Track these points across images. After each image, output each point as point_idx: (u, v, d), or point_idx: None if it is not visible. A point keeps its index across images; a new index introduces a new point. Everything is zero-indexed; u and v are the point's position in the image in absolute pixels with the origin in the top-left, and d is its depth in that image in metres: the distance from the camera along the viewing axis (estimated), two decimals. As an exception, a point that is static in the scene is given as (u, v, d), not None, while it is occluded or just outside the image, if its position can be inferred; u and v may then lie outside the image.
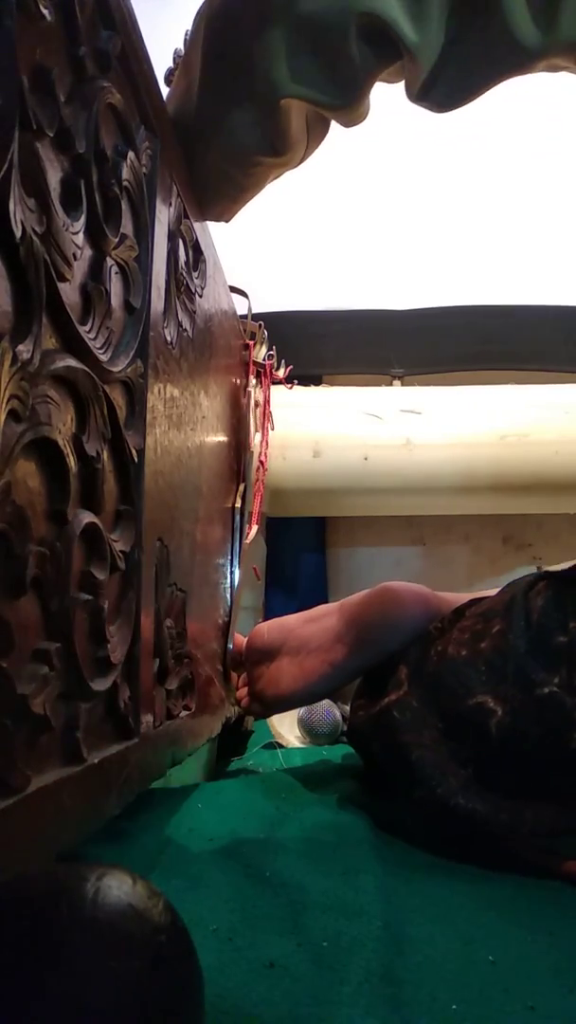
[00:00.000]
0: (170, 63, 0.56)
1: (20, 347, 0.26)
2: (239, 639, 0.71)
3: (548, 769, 0.45)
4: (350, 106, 0.51)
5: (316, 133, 0.57)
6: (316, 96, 0.49)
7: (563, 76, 0.50)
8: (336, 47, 0.47)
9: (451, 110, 0.49)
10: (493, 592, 0.55)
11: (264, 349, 0.91)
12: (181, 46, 0.55)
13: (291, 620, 0.66)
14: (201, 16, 0.51)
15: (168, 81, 0.56)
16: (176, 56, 0.54)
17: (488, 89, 0.48)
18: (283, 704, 0.65)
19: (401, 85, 0.49)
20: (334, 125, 0.56)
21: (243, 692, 0.70)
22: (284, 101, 0.49)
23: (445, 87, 0.47)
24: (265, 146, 0.53)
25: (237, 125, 0.51)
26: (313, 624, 0.64)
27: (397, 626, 0.58)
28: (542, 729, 0.44)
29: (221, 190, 0.57)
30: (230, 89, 0.50)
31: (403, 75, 0.49)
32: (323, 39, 0.47)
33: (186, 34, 0.53)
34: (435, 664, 0.52)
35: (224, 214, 0.61)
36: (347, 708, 0.72)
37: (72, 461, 0.31)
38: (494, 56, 0.46)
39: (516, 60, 0.46)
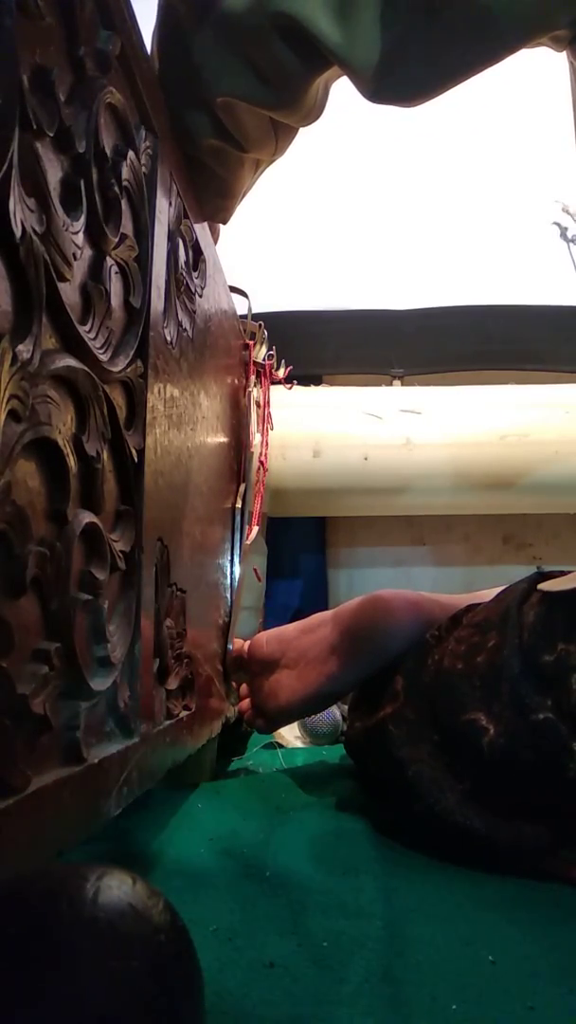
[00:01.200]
0: None
1: (20, 347, 0.26)
2: (239, 643, 0.71)
3: (545, 794, 0.44)
4: (289, 107, 0.50)
5: (285, 128, 0.56)
6: (249, 96, 0.49)
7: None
8: (259, 48, 0.46)
9: (417, 105, 0.48)
10: (490, 593, 0.55)
11: (264, 349, 0.91)
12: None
13: (289, 631, 0.66)
14: (156, 16, 0.51)
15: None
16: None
17: (458, 82, 0.46)
18: (284, 717, 0.65)
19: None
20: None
21: (246, 704, 0.70)
22: (222, 100, 0.49)
23: (398, 85, 0.46)
24: (227, 141, 0.53)
25: (193, 123, 0.51)
26: (309, 635, 0.64)
27: (389, 635, 0.58)
28: (536, 755, 0.43)
29: (209, 186, 0.57)
30: (180, 88, 0.50)
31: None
32: (245, 40, 0.46)
33: (152, 32, 0.53)
34: (431, 675, 0.52)
35: (218, 213, 0.61)
36: (347, 708, 0.72)
37: (72, 461, 0.31)
38: (455, 44, 0.44)
39: (480, 42, 0.43)
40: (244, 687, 0.71)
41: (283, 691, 0.63)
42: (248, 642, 0.69)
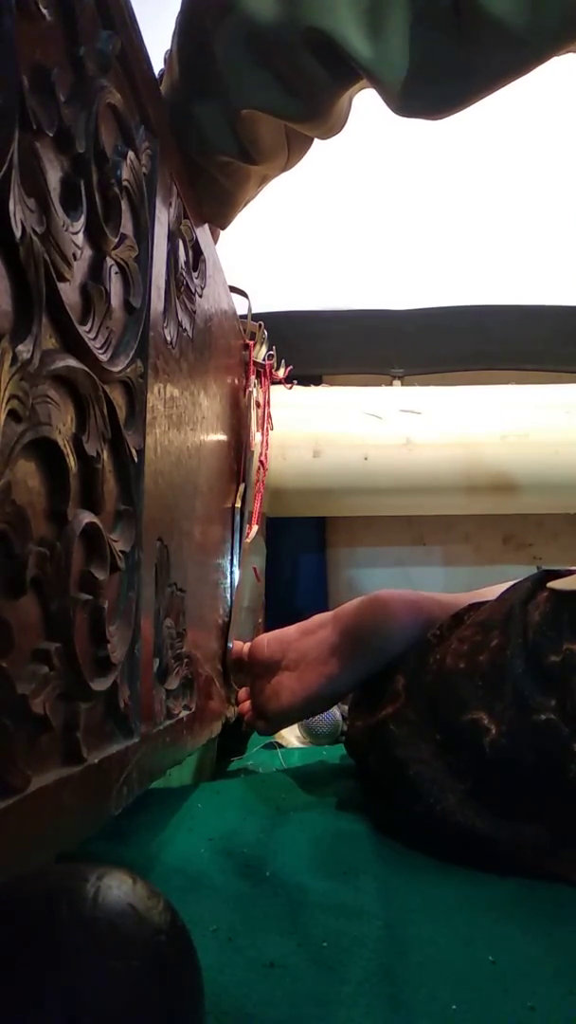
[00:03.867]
0: (162, 66, 0.56)
1: (20, 347, 0.26)
2: (239, 645, 0.70)
3: (545, 795, 0.44)
4: (314, 120, 0.50)
5: (298, 142, 0.56)
6: (275, 109, 0.49)
7: (565, 78, 0.50)
8: (289, 62, 0.46)
9: (445, 117, 0.48)
10: (492, 591, 0.55)
11: (264, 349, 0.91)
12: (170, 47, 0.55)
13: (289, 633, 0.66)
14: (177, 19, 0.51)
15: (159, 83, 0.57)
16: (166, 56, 0.54)
17: (486, 94, 0.46)
18: (285, 718, 0.65)
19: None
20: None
21: (246, 707, 0.70)
22: (247, 112, 0.49)
23: (426, 99, 0.46)
24: (238, 152, 0.53)
25: (209, 130, 0.51)
26: (309, 637, 0.64)
27: (388, 636, 0.58)
28: (537, 756, 0.43)
29: (211, 192, 0.57)
30: (199, 95, 0.50)
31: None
32: (275, 54, 0.46)
33: (172, 34, 0.53)
34: (433, 674, 0.52)
35: (217, 218, 0.61)
36: (347, 708, 0.72)
37: (72, 461, 0.31)
38: (483, 57, 0.44)
39: (509, 56, 0.44)
40: (244, 689, 0.71)
41: (284, 693, 0.63)
42: (248, 644, 0.69)
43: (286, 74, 0.47)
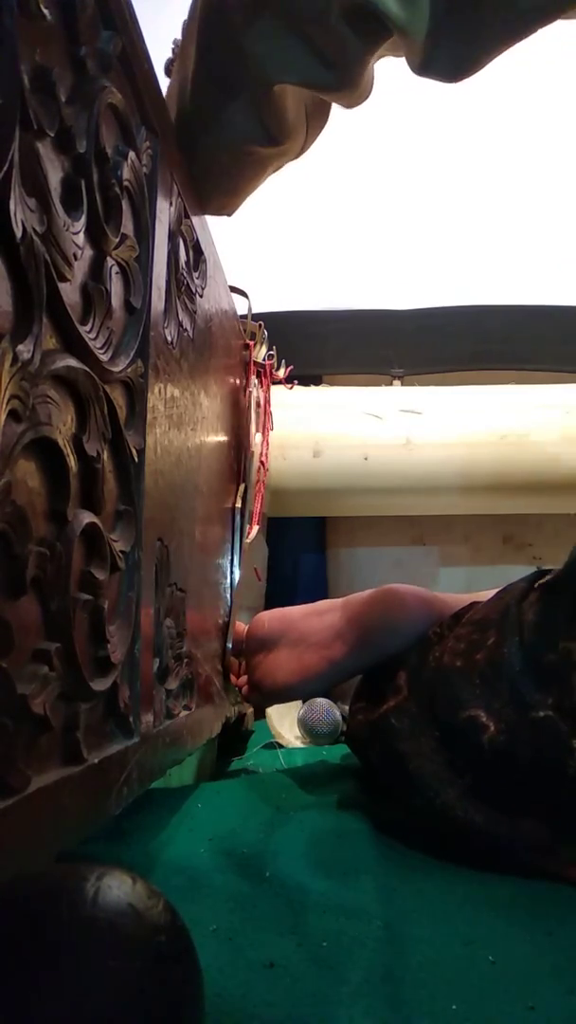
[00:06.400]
0: (170, 55, 0.56)
1: (20, 347, 0.26)
2: (240, 627, 0.70)
3: (544, 792, 0.44)
4: (347, 87, 0.50)
5: (316, 121, 0.56)
6: (309, 80, 0.49)
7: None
8: (322, 29, 0.46)
9: (460, 80, 0.48)
10: (491, 593, 0.55)
11: (264, 349, 0.91)
12: (180, 35, 0.55)
13: (293, 612, 0.66)
14: (195, 7, 0.51)
15: (168, 72, 0.56)
16: (175, 46, 0.54)
17: (500, 52, 0.47)
18: (279, 696, 0.65)
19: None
20: (334, 112, 0.55)
21: (243, 680, 0.70)
22: (278, 87, 0.49)
23: (446, 58, 0.47)
24: (262, 135, 0.53)
25: (232, 115, 0.51)
26: (315, 618, 0.64)
27: (398, 629, 0.58)
28: (536, 753, 0.43)
29: (220, 183, 0.57)
30: (224, 80, 0.50)
31: (400, 50, 0.48)
32: (308, 22, 0.46)
33: (184, 24, 0.53)
34: (432, 671, 0.52)
35: (224, 208, 0.61)
36: (347, 708, 0.72)
37: (72, 461, 0.31)
38: (497, 14, 0.45)
39: (522, 13, 0.44)
40: (243, 664, 0.71)
41: (281, 671, 0.63)
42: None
43: (319, 42, 0.47)
